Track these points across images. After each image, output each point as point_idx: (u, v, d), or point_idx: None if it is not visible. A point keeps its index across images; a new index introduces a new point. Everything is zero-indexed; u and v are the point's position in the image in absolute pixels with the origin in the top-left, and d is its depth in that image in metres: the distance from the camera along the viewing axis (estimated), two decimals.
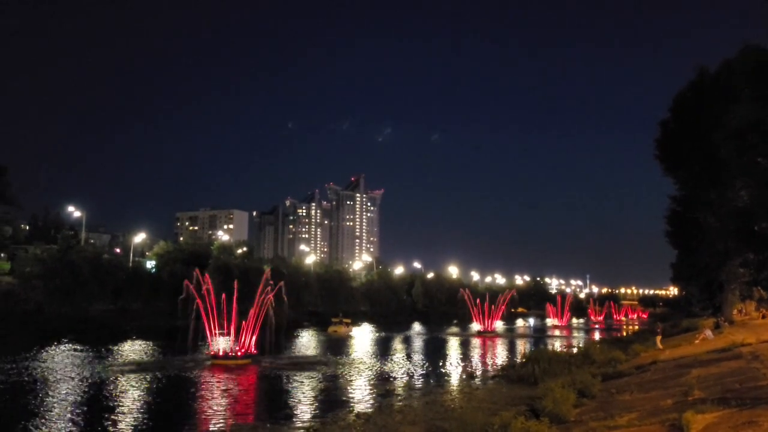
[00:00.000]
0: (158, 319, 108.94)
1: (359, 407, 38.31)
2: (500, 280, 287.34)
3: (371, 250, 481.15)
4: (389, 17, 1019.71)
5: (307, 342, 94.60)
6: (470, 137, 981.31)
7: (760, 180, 41.25)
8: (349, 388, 48.24)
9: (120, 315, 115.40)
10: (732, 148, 43.47)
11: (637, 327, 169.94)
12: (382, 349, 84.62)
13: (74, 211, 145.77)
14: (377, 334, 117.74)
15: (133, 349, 74.52)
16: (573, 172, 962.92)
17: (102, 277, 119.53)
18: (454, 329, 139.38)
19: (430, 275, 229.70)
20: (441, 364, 67.44)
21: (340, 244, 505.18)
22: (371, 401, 41.45)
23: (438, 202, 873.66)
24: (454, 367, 65.02)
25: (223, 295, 63.15)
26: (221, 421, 35.29)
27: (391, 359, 71.33)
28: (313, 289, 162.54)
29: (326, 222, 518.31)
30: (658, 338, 65.19)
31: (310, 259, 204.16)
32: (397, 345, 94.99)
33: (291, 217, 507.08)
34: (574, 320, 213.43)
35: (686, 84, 65.40)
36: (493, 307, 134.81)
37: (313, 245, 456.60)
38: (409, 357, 74.75)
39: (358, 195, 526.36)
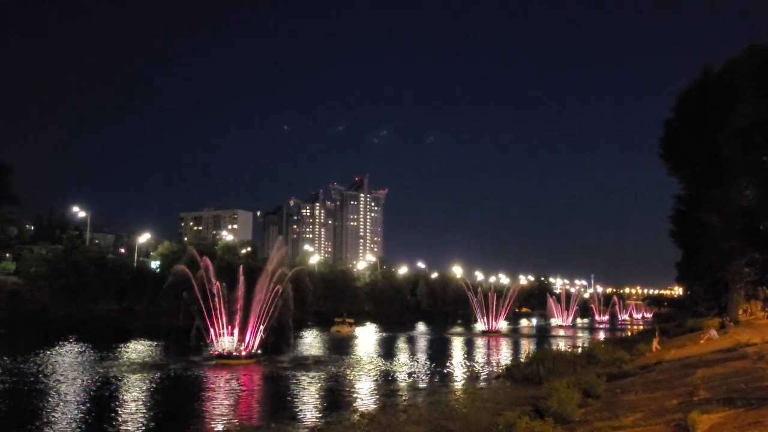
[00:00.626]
0: (162, 318, 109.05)
1: (363, 407, 38.32)
2: (504, 280, 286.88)
3: (375, 250, 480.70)
4: (390, 17, 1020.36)
5: (311, 342, 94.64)
6: (473, 137, 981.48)
7: (764, 179, 41.14)
8: (353, 387, 48.25)
9: (124, 315, 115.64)
10: (737, 147, 43.35)
11: (642, 327, 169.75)
12: (387, 349, 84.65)
13: (79, 212, 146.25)
14: (381, 334, 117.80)
15: (137, 349, 74.62)
16: (576, 171, 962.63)
17: (107, 277, 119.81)
18: (458, 329, 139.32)
19: (434, 275, 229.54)
20: (445, 363, 67.41)
21: (344, 244, 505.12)
22: (375, 401, 41.44)
23: (441, 202, 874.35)
24: (458, 367, 64.97)
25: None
26: (225, 421, 35.30)
27: (396, 359, 71.35)
28: (317, 289, 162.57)
29: (330, 222, 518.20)
30: (655, 340, 64.99)
31: (314, 259, 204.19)
32: (402, 345, 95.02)
33: (295, 217, 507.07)
34: (579, 320, 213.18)
35: (690, 83, 65.21)
36: (498, 305, 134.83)
37: (317, 245, 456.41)
38: (413, 357, 74.79)
39: (362, 195, 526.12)
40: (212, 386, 48.20)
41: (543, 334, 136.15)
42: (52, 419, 33.61)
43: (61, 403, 38.38)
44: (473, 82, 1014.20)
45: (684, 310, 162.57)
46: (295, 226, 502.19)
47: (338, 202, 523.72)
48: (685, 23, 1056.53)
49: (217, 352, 62.12)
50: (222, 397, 43.87)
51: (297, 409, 38.81)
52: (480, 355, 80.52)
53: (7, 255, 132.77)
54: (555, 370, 46.38)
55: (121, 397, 41.78)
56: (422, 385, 50.14)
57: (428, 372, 59.15)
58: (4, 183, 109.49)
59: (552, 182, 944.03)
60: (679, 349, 55.83)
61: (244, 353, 61.97)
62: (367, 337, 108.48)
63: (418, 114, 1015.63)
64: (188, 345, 63.26)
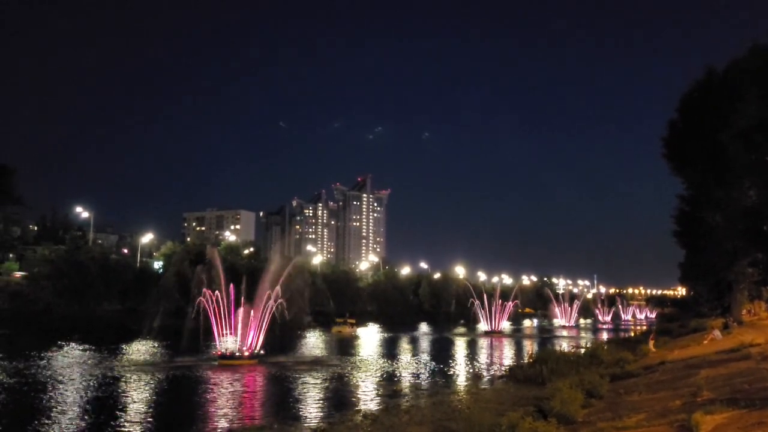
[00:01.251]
0: (165, 319, 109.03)
1: (366, 407, 38.32)
2: (507, 280, 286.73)
3: (378, 250, 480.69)
4: (390, 16, 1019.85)
5: (313, 342, 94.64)
6: (475, 137, 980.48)
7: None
8: (356, 388, 48.29)
9: (127, 315, 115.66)
10: (740, 148, 43.30)
11: (645, 327, 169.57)
12: (389, 350, 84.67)
13: (82, 212, 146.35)
14: (384, 335, 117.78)
15: (140, 349, 74.65)
16: (579, 171, 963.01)
17: (110, 277, 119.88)
18: (461, 329, 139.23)
19: (437, 275, 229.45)
20: (448, 364, 67.38)
21: (347, 244, 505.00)
22: (378, 401, 41.43)
23: (444, 202, 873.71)
24: (461, 368, 64.97)
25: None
26: (228, 421, 35.34)
27: (398, 359, 71.35)
28: (320, 290, 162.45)
29: (333, 222, 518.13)
30: (651, 342, 64.82)
31: (317, 260, 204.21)
32: (404, 345, 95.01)
33: (298, 218, 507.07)
34: (582, 320, 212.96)
35: (693, 83, 65.12)
36: (501, 306, 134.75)
37: (319, 245, 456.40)
38: (416, 357, 74.73)
39: (364, 195, 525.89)
40: (215, 386, 48.20)
41: (546, 335, 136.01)
42: (55, 420, 33.64)
43: (64, 404, 38.42)
44: (474, 81, 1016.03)
45: (687, 310, 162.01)
46: (297, 227, 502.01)
47: (341, 203, 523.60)
48: (687, 23, 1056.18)
49: (219, 353, 62.15)
50: (225, 397, 43.87)
51: (300, 410, 38.83)
52: (483, 356, 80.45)
53: (11, 255, 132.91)
54: (558, 371, 46.29)
55: (123, 397, 41.84)
56: (425, 385, 50.14)
57: (431, 373, 59.12)
58: (7, 183, 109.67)
59: (555, 182, 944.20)
60: (682, 350, 55.73)
61: (246, 353, 61.97)
62: (369, 338, 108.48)
63: (420, 114, 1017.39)
64: (190, 345, 63.34)
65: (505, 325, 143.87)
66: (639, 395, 31.04)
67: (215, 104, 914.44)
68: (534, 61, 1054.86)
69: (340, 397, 44.05)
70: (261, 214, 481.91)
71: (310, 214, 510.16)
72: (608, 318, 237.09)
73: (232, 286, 64.62)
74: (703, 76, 62.98)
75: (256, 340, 63.35)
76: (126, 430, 32.20)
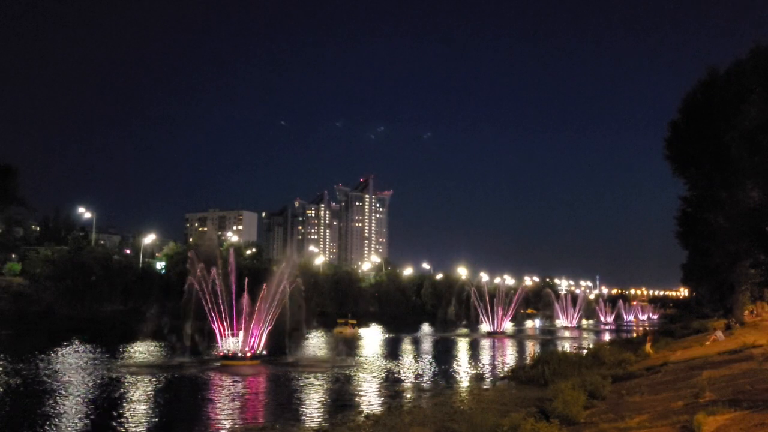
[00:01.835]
0: (168, 319, 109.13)
1: (368, 408, 38.36)
2: (509, 280, 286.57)
3: (380, 250, 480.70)
4: (392, 17, 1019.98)
5: (316, 343, 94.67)
6: (477, 137, 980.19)
7: None
8: (358, 389, 48.25)
9: (130, 315, 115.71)
10: (743, 149, 43.26)
11: (647, 328, 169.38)
12: (391, 350, 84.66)
13: (84, 213, 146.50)
14: (386, 335, 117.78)
15: (143, 350, 74.71)
16: (581, 172, 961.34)
17: (112, 277, 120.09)
18: (463, 330, 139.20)
19: (439, 276, 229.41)
20: (450, 365, 67.38)
21: (349, 244, 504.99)
22: (380, 402, 41.48)
23: (446, 202, 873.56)
24: (463, 368, 64.95)
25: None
26: (230, 422, 35.41)
27: (400, 360, 71.34)
28: (323, 290, 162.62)
29: (335, 223, 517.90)
30: (648, 345, 64.67)
31: (319, 260, 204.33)
32: (406, 346, 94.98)
33: (300, 218, 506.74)
34: (584, 321, 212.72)
35: (696, 84, 65.09)
36: (502, 308, 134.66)
37: (322, 246, 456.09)
38: (418, 358, 74.71)
39: (366, 196, 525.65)
40: (217, 387, 48.30)
41: (548, 336, 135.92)
42: (57, 421, 33.69)
43: (66, 405, 38.46)
44: (477, 82, 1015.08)
45: (689, 311, 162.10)
46: (300, 227, 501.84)
47: (343, 203, 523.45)
48: (689, 23, 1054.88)
49: (221, 353, 62.19)
50: (227, 398, 43.94)
51: (302, 410, 38.87)
52: (485, 357, 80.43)
53: (13, 256, 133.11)
54: (560, 372, 46.26)
55: (125, 398, 41.86)
56: (427, 386, 50.16)
57: (433, 373, 59.12)
58: (10, 184, 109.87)
59: (557, 183, 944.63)
60: (684, 351, 55.68)
61: (248, 354, 62.01)
62: (372, 338, 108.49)
63: (422, 115, 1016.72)
64: (194, 346, 63.39)
65: (508, 326, 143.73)
66: (641, 396, 31.01)
67: (218, 105, 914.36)
68: (537, 62, 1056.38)
69: (342, 397, 44.06)
70: (263, 214, 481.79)
71: (313, 215, 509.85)
72: (610, 319, 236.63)
73: (234, 286, 64.67)
74: (706, 76, 62.96)
75: (258, 340, 63.37)
76: (128, 430, 32.27)
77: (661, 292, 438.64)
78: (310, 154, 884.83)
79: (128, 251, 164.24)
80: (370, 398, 43.61)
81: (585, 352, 69.40)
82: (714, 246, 63.38)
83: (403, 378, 55.05)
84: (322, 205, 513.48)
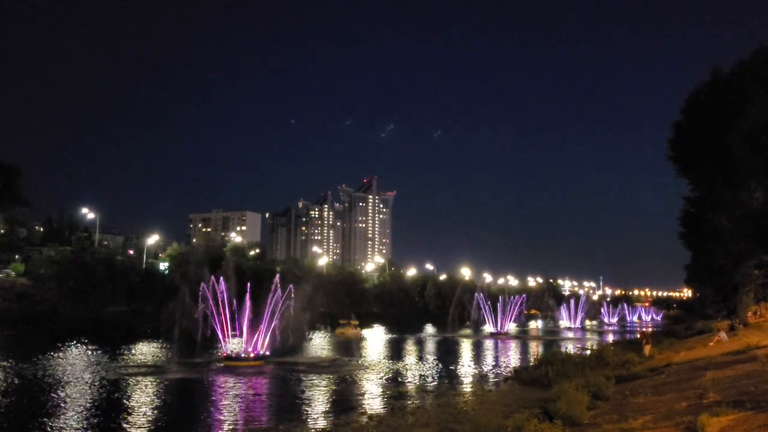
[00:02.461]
0: (171, 320, 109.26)
1: (372, 409, 38.34)
2: (513, 281, 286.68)
3: (383, 251, 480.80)
4: (394, 18, 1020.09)
5: (319, 344, 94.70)
6: (481, 138, 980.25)
7: None
8: (361, 390, 48.26)
9: (133, 316, 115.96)
10: (746, 149, 43.34)
11: (651, 329, 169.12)
12: (395, 351, 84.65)
13: (88, 213, 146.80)
14: (389, 336, 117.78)
15: (146, 351, 74.79)
16: (585, 172, 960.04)
17: (115, 278, 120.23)
18: (467, 331, 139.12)
19: (443, 277, 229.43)
20: (454, 366, 67.36)
21: (353, 245, 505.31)
22: (384, 403, 41.47)
23: (450, 203, 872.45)
24: (466, 369, 64.94)
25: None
26: (233, 422, 35.46)
27: (404, 361, 71.35)
28: (326, 291, 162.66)
29: (339, 223, 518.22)
30: (647, 348, 64.51)
31: (323, 261, 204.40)
32: (410, 347, 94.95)
33: (303, 219, 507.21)
34: (588, 322, 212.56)
35: (699, 84, 65.04)
36: (507, 308, 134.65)
37: (325, 247, 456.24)
38: (421, 359, 74.71)
39: (370, 197, 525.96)
40: (220, 388, 48.33)
41: (551, 337, 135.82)
42: (60, 422, 33.73)
43: (69, 406, 38.49)
44: (481, 82, 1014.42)
45: (693, 312, 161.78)
46: (303, 228, 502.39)
47: (347, 204, 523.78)
48: (692, 23, 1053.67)
49: (225, 354, 62.25)
50: (230, 399, 43.99)
51: (305, 411, 38.86)
52: (488, 358, 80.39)
53: (17, 256, 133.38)
54: (564, 373, 46.28)
55: (128, 399, 41.90)
56: (430, 387, 50.12)
57: (436, 374, 59.10)
58: (14, 185, 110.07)
59: (561, 183, 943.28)
60: (688, 352, 55.62)
61: (252, 355, 62.06)
62: (375, 339, 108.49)
63: (425, 116, 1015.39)
64: (196, 347, 63.41)
65: (511, 327, 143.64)
66: (645, 397, 30.99)
67: (221, 106, 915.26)
68: (542, 63, 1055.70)
69: (345, 398, 44.06)
70: (267, 215, 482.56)
71: (316, 216, 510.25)
72: (614, 320, 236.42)
73: (237, 287, 64.82)
74: (709, 77, 62.90)
75: (261, 341, 63.43)
76: (131, 431, 32.34)
77: (665, 293, 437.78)
78: (314, 155, 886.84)
79: (132, 252, 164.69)
80: (373, 399, 43.63)
81: (588, 353, 69.32)
82: (718, 247, 63.36)
83: (406, 379, 55.04)
84: (326, 205, 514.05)
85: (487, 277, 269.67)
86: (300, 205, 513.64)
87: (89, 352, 69.59)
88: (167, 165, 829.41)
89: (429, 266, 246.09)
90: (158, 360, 66.08)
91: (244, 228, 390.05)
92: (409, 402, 41.35)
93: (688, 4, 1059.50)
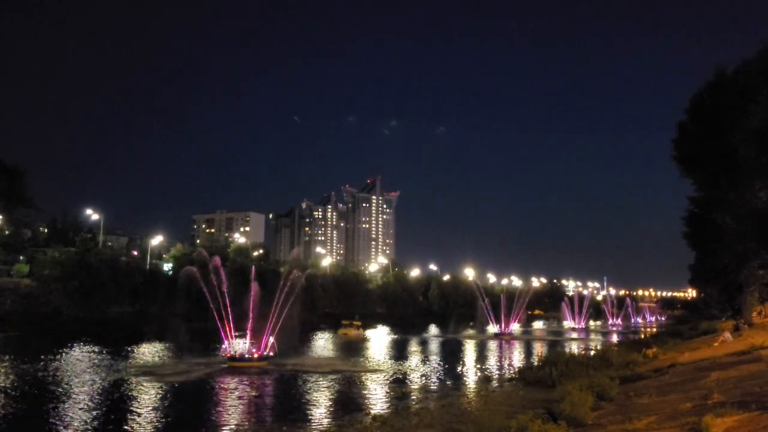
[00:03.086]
0: (175, 321, 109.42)
1: (376, 410, 38.31)
2: (516, 282, 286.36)
3: (387, 252, 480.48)
4: (398, 16, 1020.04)
5: (323, 344, 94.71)
6: (484, 138, 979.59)
7: None
8: (365, 390, 48.23)
9: (138, 317, 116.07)
10: (750, 149, 43.23)
11: (655, 329, 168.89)
12: (399, 352, 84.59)
13: (92, 214, 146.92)
14: (393, 336, 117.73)
15: (150, 351, 74.83)
16: (589, 172, 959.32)
17: (120, 279, 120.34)
18: (471, 332, 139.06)
19: (446, 277, 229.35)
20: (458, 366, 67.34)
21: (356, 246, 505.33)
22: (388, 404, 41.43)
23: (454, 204, 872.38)
24: (470, 370, 64.90)
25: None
26: (237, 423, 35.46)
27: (408, 362, 71.30)
28: (329, 291, 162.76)
29: (342, 224, 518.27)
30: (649, 351, 64.37)
31: (326, 261, 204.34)
32: (414, 347, 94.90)
33: (307, 220, 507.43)
34: (592, 322, 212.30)
35: (703, 84, 64.87)
36: (511, 308, 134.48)
37: (329, 247, 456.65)
38: (425, 359, 74.65)
39: (373, 197, 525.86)
40: (224, 388, 48.34)
41: (555, 337, 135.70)
42: (64, 423, 33.77)
43: (73, 407, 38.52)
44: (485, 83, 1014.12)
45: (697, 312, 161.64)
46: (307, 228, 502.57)
47: (350, 205, 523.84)
48: (696, 23, 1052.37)
49: (229, 355, 62.23)
50: (234, 399, 44.00)
51: (309, 412, 38.88)
52: (492, 358, 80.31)
53: (21, 257, 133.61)
54: (568, 373, 46.23)
55: (132, 400, 41.90)
56: (434, 388, 50.09)
57: (440, 375, 59.07)
58: (19, 186, 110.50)
59: (565, 183, 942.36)
60: (692, 352, 55.49)
61: (255, 355, 62.04)
62: (378, 340, 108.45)
63: (428, 116, 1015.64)
64: (200, 347, 63.46)
65: (515, 328, 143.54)
66: (649, 398, 30.92)
67: (224, 107, 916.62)
68: (547, 62, 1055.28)
69: (349, 399, 44.04)
70: (270, 216, 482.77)
71: (320, 216, 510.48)
72: (618, 320, 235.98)
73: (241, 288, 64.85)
74: (713, 77, 62.75)
75: (265, 342, 63.40)
76: (135, 431, 32.37)
77: (669, 293, 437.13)
78: (318, 155, 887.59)
79: (136, 253, 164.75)
80: (377, 400, 43.58)
81: (592, 353, 69.27)
82: (722, 247, 63.19)
83: (410, 379, 55.03)
84: (329, 206, 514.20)
85: (491, 278, 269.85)
86: (303, 205, 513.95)
87: (93, 353, 69.63)
88: (171, 166, 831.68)
89: (432, 266, 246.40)
90: (162, 360, 66.06)
91: (247, 229, 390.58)
92: (413, 402, 41.35)
93: (692, 3, 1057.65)
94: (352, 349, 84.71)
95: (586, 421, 26.16)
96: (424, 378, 56.36)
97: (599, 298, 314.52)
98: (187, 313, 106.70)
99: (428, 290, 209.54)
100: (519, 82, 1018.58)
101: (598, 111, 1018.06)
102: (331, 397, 45.38)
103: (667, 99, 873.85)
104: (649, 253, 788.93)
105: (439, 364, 68.42)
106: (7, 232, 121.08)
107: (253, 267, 76.85)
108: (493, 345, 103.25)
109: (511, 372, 60.00)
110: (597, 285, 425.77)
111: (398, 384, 51.64)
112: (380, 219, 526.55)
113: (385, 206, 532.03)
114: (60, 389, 44.65)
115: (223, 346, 63.20)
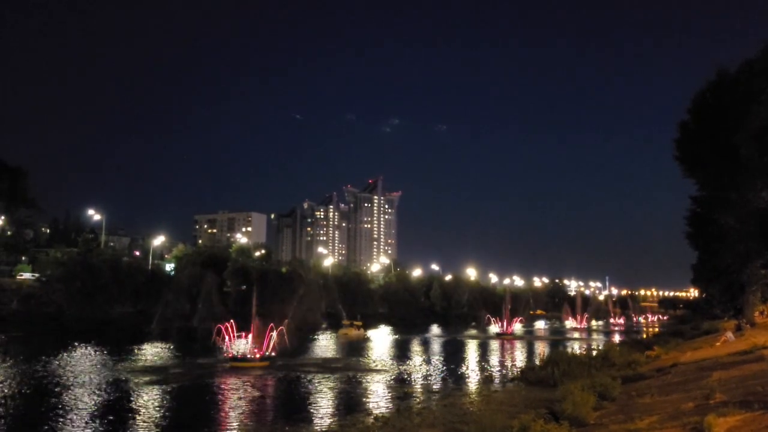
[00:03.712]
0: (177, 321, 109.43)
1: (377, 410, 38.31)
2: (518, 281, 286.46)
3: (389, 252, 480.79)
4: (400, 16, 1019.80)
5: (325, 344, 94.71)
6: (486, 138, 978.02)
7: None
8: (367, 390, 48.26)
9: (139, 317, 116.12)
10: (753, 149, 43.14)
11: (657, 329, 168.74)
12: (400, 352, 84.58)
13: (94, 215, 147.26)
14: (395, 336, 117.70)
15: (152, 352, 74.86)
16: (591, 172, 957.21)
17: (122, 279, 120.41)
18: (473, 331, 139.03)
19: (448, 277, 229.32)
20: (459, 366, 67.30)
21: (358, 246, 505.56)
22: (389, 404, 41.41)
23: (456, 203, 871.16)
24: (472, 370, 64.88)
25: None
26: (239, 423, 35.51)
27: (410, 362, 71.29)
28: (331, 292, 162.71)
29: (344, 224, 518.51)
30: (651, 353, 64.30)
31: (328, 262, 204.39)
32: (415, 347, 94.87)
33: (309, 220, 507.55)
34: (594, 322, 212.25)
35: (705, 84, 64.83)
36: (513, 308, 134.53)
37: (331, 247, 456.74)
38: (427, 359, 74.63)
39: (375, 197, 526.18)
40: (226, 389, 48.38)
41: (557, 337, 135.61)
42: (66, 423, 33.84)
43: (75, 407, 38.57)
44: (487, 82, 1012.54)
45: (700, 312, 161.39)
46: (309, 229, 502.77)
47: (352, 205, 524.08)
48: (698, 23, 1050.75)
49: (231, 355, 62.25)
50: (236, 399, 44.02)
51: (310, 412, 38.89)
52: (494, 358, 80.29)
53: (23, 258, 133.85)
54: (570, 373, 46.19)
55: (134, 400, 41.96)
56: (436, 387, 50.09)
57: (442, 375, 59.08)
58: (21, 186, 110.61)
59: (567, 183, 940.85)
60: (694, 352, 55.41)
61: (257, 356, 62.06)
62: (380, 340, 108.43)
63: (431, 116, 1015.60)
64: (202, 347, 63.46)
65: (517, 328, 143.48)
66: (651, 397, 30.89)
67: (226, 107, 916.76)
68: (549, 62, 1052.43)
69: (350, 399, 44.08)
70: (272, 216, 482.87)
71: (322, 216, 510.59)
72: (620, 320, 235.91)
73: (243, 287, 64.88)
74: (715, 77, 62.73)
75: (267, 342, 63.42)
76: (137, 431, 32.41)
77: (671, 293, 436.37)
78: (320, 155, 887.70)
79: (138, 253, 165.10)
80: (379, 400, 43.58)
81: (594, 353, 69.20)
82: (724, 246, 63.14)
83: (412, 379, 55.02)
84: (331, 206, 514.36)
85: (493, 277, 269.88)
86: (305, 205, 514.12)
87: (95, 353, 69.68)
88: (173, 166, 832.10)
89: (434, 266, 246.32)
90: (164, 360, 66.09)
91: (249, 229, 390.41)
92: (415, 402, 41.31)
93: (694, 3, 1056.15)
94: (354, 349, 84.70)
95: (588, 420, 26.15)
96: (426, 378, 56.36)
97: (601, 297, 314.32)
98: (189, 314, 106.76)
99: (430, 290, 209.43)
100: (520, 82, 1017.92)
101: (600, 110, 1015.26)
102: (333, 397, 45.43)
103: (669, 99, 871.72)
104: (651, 252, 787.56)
105: (441, 364, 68.42)
106: (9, 233, 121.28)
107: (255, 268, 76.83)
108: (495, 345, 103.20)
109: (513, 372, 59.97)
110: (599, 285, 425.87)
111: (400, 384, 51.65)
112: (382, 219, 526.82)
113: (386, 206, 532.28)
114: (62, 389, 44.70)
115: (225, 347, 63.24)
